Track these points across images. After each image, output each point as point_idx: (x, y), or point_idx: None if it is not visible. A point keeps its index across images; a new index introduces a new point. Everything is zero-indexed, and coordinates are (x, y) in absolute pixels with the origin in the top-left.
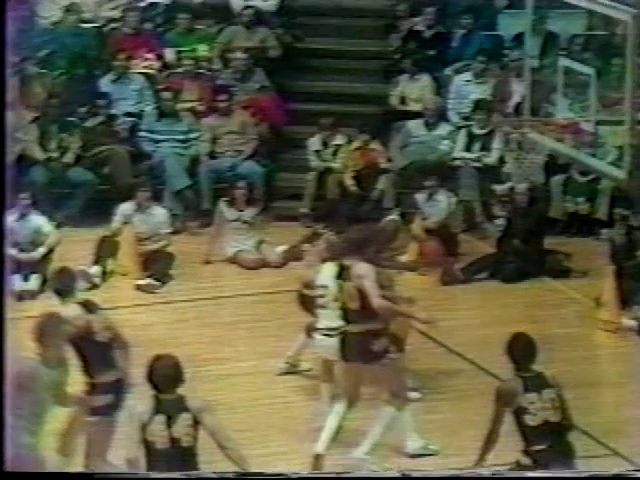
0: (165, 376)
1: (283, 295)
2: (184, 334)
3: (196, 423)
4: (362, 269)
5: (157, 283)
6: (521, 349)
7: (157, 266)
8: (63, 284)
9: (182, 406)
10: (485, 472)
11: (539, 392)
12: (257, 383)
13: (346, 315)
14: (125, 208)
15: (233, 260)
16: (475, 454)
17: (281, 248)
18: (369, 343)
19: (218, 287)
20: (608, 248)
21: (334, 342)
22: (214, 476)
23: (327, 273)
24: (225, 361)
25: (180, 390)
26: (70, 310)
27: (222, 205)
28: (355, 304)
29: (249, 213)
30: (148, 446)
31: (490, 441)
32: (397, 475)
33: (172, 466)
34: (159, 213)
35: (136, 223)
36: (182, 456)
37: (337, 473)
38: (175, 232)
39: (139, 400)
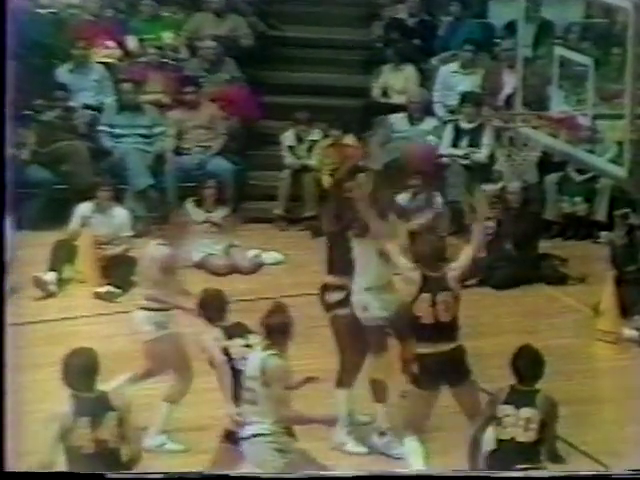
0: (79, 371)
1: (256, 304)
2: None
3: (122, 422)
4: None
5: (118, 291)
6: (526, 364)
7: (118, 272)
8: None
9: (107, 405)
10: (485, 472)
11: (518, 407)
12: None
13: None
14: (83, 209)
15: (200, 265)
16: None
17: (253, 252)
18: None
19: None
20: (607, 252)
21: None
22: (215, 476)
23: None
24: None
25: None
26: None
27: (189, 206)
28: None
29: (218, 214)
30: (72, 451)
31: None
32: (396, 475)
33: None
34: (120, 215)
35: (95, 225)
36: (108, 459)
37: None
38: (137, 235)
39: (57, 403)
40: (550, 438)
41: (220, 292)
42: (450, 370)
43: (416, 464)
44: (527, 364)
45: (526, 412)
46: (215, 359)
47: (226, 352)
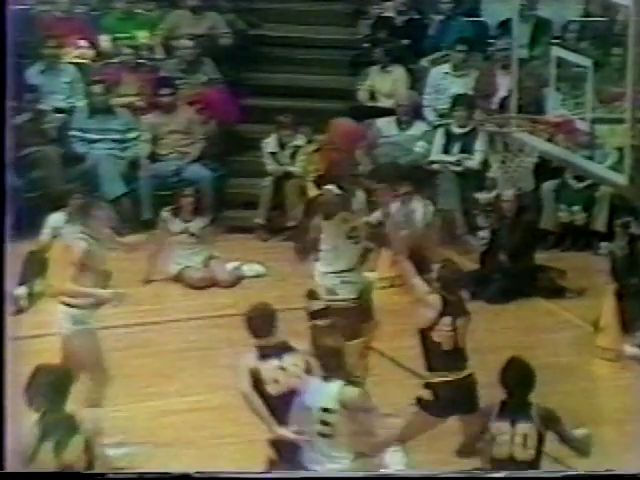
0: (48, 391)
1: (235, 318)
2: (121, 364)
3: (89, 446)
4: None
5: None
6: (515, 377)
7: (91, 286)
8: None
9: (73, 427)
10: (484, 472)
11: (513, 424)
12: (206, 420)
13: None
14: (55, 219)
15: (178, 278)
16: None
17: (232, 264)
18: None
19: (160, 310)
20: (607, 264)
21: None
22: (217, 476)
23: None
24: (168, 395)
25: (69, 407)
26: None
27: (165, 215)
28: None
29: (196, 224)
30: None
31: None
32: (394, 475)
33: None
34: None
35: (67, 236)
36: None
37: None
38: (111, 247)
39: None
40: (566, 441)
41: (268, 306)
42: (463, 398)
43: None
44: (516, 377)
45: (523, 428)
46: (240, 387)
47: (256, 374)
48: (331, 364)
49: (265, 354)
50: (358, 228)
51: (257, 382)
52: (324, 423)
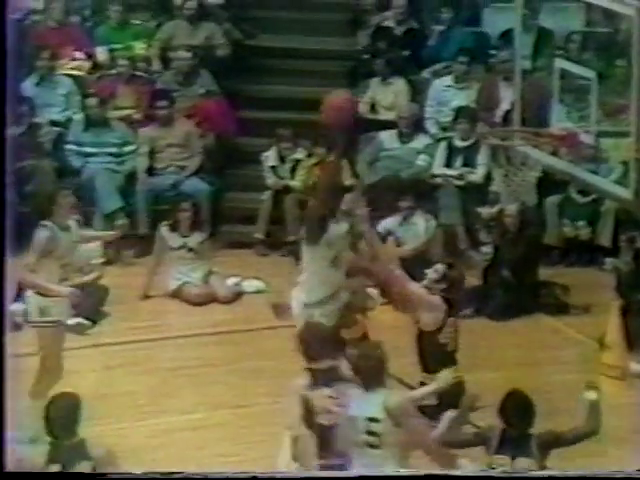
0: (59, 420)
1: (235, 335)
2: (118, 382)
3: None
4: None
5: (87, 322)
6: (514, 410)
7: (87, 302)
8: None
9: (82, 453)
10: (484, 472)
11: (512, 457)
12: (206, 438)
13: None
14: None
15: (176, 294)
16: None
17: (232, 280)
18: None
19: (158, 326)
20: (613, 279)
21: None
22: (220, 476)
23: None
24: (167, 413)
25: (81, 432)
26: None
27: (163, 230)
28: None
29: (194, 239)
30: None
31: None
32: (392, 474)
33: None
34: None
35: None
36: None
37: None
38: (108, 262)
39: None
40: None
41: (321, 325)
42: (454, 398)
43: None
44: (515, 411)
45: (522, 462)
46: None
47: (308, 404)
48: (373, 373)
49: (317, 381)
50: (342, 254)
51: (308, 412)
52: (371, 433)
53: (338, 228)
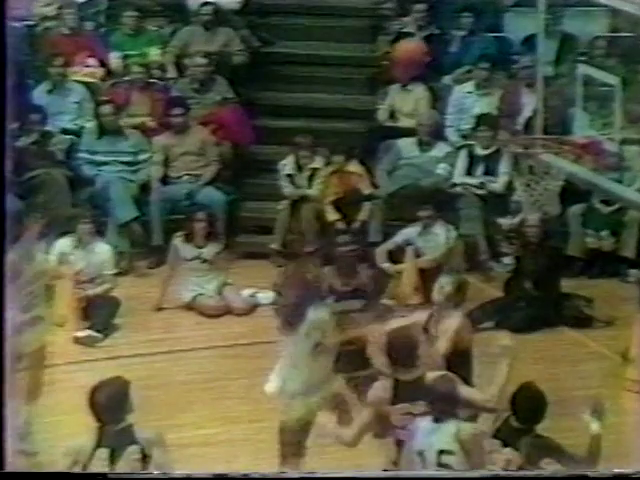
0: (108, 405)
1: (250, 348)
2: (132, 396)
3: (145, 457)
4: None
5: (99, 335)
6: (525, 403)
7: (99, 314)
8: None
9: (129, 437)
10: (483, 472)
11: (502, 445)
12: (220, 454)
13: None
14: (62, 244)
15: (190, 306)
16: None
17: (247, 292)
18: None
19: (172, 339)
20: (637, 291)
21: None
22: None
23: None
24: (181, 428)
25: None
26: None
27: (177, 241)
28: None
29: (209, 250)
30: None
31: None
32: (394, 475)
33: None
34: (102, 250)
35: (75, 263)
36: None
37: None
38: (121, 273)
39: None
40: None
41: (410, 331)
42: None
43: None
44: (524, 404)
45: (507, 453)
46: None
47: (386, 419)
48: (444, 406)
49: (399, 392)
50: (324, 343)
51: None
52: (443, 466)
53: (318, 314)
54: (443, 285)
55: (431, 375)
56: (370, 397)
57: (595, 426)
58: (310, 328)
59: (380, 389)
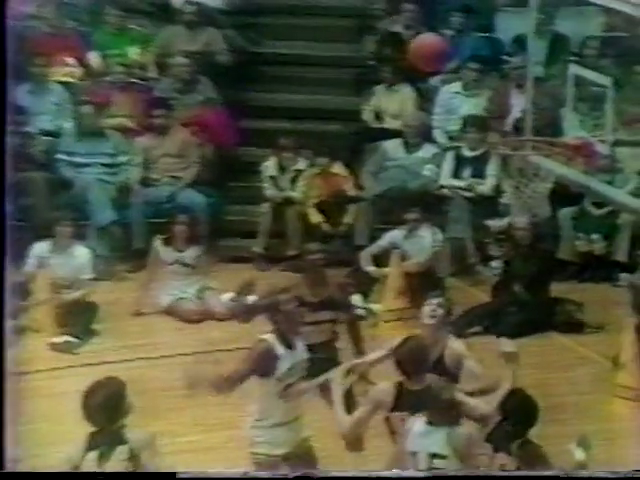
0: (101, 409)
1: (232, 354)
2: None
3: (133, 457)
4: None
5: (76, 340)
6: (517, 409)
7: (77, 320)
8: None
9: (119, 438)
10: (483, 472)
11: (495, 450)
12: (198, 461)
13: None
14: (40, 248)
15: (170, 311)
16: None
17: (229, 296)
18: None
19: (152, 344)
20: (628, 296)
21: None
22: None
23: None
24: (161, 436)
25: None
26: None
27: (158, 244)
28: None
29: (190, 253)
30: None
31: None
32: (394, 475)
33: None
34: (81, 254)
35: (53, 267)
36: None
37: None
38: (99, 278)
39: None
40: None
41: (422, 340)
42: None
43: None
44: (514, 410)
45: (502, 458)
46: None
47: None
48: (441, 412)
49: (402, 399)
50: (297, 384)
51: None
52: (434, 470)
53: (291, 359)
54: (435, 308)
55: (432, 383)
56: (372, 395)
57: (580, 455)
58: (283, 373)
59: (384, 392)
